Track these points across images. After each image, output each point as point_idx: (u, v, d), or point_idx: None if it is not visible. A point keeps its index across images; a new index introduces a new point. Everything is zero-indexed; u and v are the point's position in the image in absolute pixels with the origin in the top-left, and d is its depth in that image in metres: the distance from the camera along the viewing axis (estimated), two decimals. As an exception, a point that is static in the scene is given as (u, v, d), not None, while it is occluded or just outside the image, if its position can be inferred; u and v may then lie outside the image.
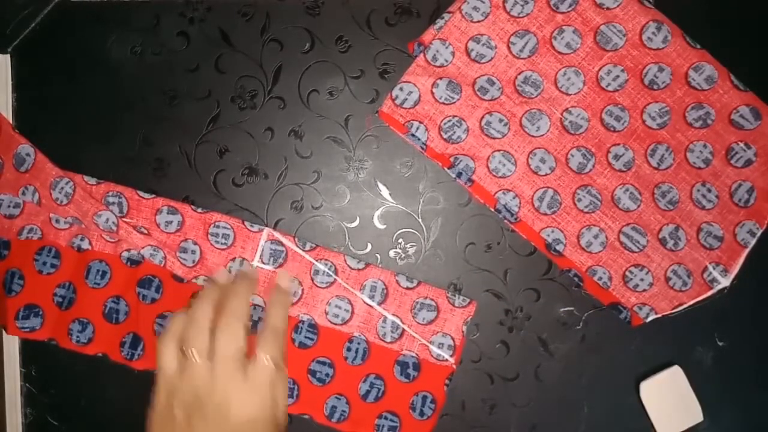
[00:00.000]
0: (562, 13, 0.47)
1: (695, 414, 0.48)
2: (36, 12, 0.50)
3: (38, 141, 0.50)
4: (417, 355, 0.48)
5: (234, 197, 0.50)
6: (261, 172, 0.50)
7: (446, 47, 0.48)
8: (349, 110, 0.50)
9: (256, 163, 0.50)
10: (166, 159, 0.50)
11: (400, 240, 0.50)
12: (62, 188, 0.49)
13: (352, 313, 0.49)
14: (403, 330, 0.49)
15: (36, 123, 0.51)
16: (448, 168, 0.49)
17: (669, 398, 0.48)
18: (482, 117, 0.48)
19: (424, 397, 0.48)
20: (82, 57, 0.50)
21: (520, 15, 0.47)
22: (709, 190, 0.48)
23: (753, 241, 0.47)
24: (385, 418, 0.48)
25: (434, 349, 0.48)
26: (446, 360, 0.48)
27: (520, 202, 0.48)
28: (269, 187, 0.50)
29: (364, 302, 0.48)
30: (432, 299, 0.48)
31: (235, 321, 0.42)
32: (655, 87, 0.47)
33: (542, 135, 0.48)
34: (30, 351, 0.51)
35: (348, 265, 0.49)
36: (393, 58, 0.49)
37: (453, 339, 0.48)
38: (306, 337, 0.49)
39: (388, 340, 0.48)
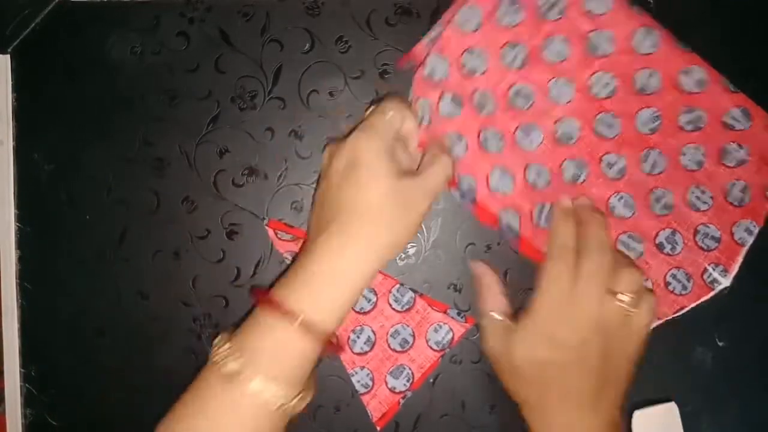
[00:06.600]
0: (551, 21, 0.46)
1: None
2: (36, 12, 0.50)
3: (38, 141, 0.50)
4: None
5: (234, 197, 0.50)
6: (261, 172, 0.50)
7: (442, 61, 0.46)
8: (349, 110, 0.50)
9: (256, 163, 0.50)
10: (166, 159, 0.50)
11: (400, 240, 0.50)
12: None
13: None
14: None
15: (36, 123, 0.51)
16: (454, 189, 0.47)
17: None
18: (479, 132, 0.47)
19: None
20: (82, 57, 0.50)
21: (511, 25, 0.46)
22: (704, 192, 0.48)
23: (751, 240, 0.47)
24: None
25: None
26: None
27: (520, 219, 0.47)
28: (269, 187, 0.50)
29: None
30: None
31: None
32: (645, 92, 0.47)
33: (536, 148, 0.47)
34: (30, 351, 0.51)
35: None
36: (393, 58, 0.49)
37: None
38: None
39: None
